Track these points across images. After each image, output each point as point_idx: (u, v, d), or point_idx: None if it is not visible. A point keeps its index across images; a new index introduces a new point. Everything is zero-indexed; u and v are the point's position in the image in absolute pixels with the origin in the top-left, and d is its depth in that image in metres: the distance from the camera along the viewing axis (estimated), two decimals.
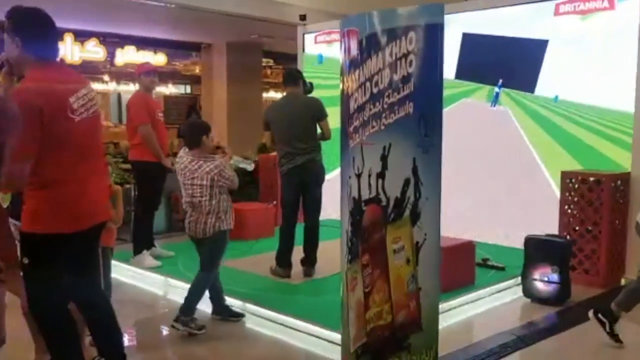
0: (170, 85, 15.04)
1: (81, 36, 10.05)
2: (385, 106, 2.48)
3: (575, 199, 5.25)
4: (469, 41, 6.32)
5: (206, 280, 4.11)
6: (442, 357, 3.56)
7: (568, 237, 5.17)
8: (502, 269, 5.23)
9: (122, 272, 5.34)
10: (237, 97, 11.46)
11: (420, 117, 2.45)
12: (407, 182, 2.48)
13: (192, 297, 4.07)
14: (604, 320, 3.78)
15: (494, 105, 6.24)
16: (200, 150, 4.04)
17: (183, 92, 15.76)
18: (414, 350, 2.56)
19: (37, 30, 2.82)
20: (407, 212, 2.49)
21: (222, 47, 11.64)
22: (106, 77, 13.50)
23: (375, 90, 2.50)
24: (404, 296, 2.53)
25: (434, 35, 2.43)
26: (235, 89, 11.55)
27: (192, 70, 14.31)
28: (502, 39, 6.11)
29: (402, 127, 2.46)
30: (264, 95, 14.29)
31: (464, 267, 4.81)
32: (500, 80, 6.18)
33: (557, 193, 5.43)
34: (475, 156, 6.30)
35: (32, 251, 2.83)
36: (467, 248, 4.85)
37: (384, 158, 2.49)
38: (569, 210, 5.28)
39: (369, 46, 2.51)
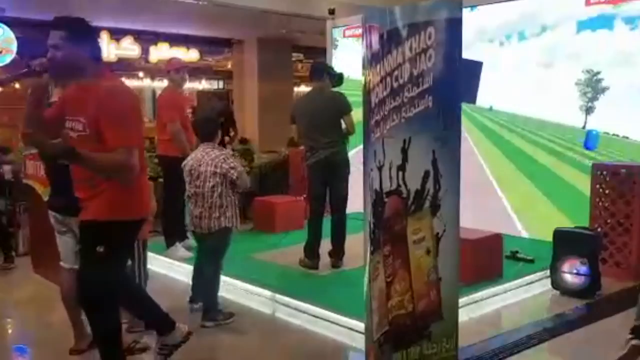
0: (203, 81, 15.27)
1: (116, 34, 10.29)
2: (405, 100, 2.53)
3: (607, 192, 5.20)
4: None
5: (215, 274, 4.22)
6: (468, 347, 3.63)
7: (599, 229, 5.13)
8: (532, 261, 5.22)
9: (156, 263, 5.50)
10: (268, 92, 11.58)
11: (439, 110, 2.50)
12: (427, 174, 2.53)
13: (210, 295, 4.21)
14: None
15: None
16: (213, 144, 4.19)
17: (216, 87, 15.98)
18: (435, 338, 2.62)
19: (97, 38, 3.09)
20: (427, 204, 2.55)
21: (253, 43, 11.76)
22: (141, 74, 13.78)
23: (395, 84, 2.55)
24: (424, 286, 2.59)
25: (452, 29, 2.48)
26: (266, 83, 11.67)
27: (225, 66, 14.49)
28: None
29: (421, 120, 2.52)
30: (295, 89, 14.40)
31: (491, 259, 4.83)
32: None
33: (499, 192, 6.46)
34: None
35: (109, 239, 2.92)
36: (494, 240, 4.86)
37: (404, 151, 2.55)
38: (600, 203, 5.23)
39: (390, 41, 2.56)
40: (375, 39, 2.63)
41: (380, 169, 2.64)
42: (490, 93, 6.69)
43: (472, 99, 6.75)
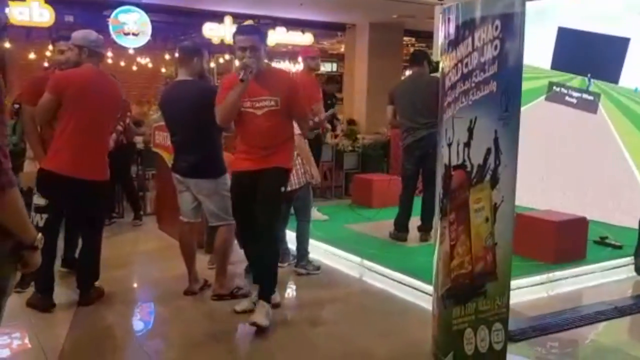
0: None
1: (238, 18, 11.07)
2: (473, 84, 2.86)
3: None
4: (564, 35, 6.87)
5: (307, 227, 4.90)
6: (536, 317, 3.91)
7: None
8: (620, 247, 5.29)
9: None
10: (377, 75, 11.89)
11: (502, 94, 2.81)
12: (488, 151, 2.85)
13: (301, 246, 4.88)
14: None
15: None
16: None
17: (329, 70, 16.56)
18: (489, 296, 2.95)
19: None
20: (487, 177, 2.87)
21: (365, 27, 12.11)
22: None
23: (465, 70, 2.88)
24: (482, 249, 2.92)
25: (516, 22, 2.77)
26: (376, 66, 11.98)
27: (339, 49, 14.99)
28: (591, 35, 6.60)
29: (486, 103, 2.84)
30: (407, 72, 14.60)
31: (575, 241, 4.97)
32: (589, 74, 6.72)
33: (638, 177, 6.07)
34: (569, 138, 6.87)
35: (286, 182, 3.94)
36: (579, 223, 4.99)
37: (470, 130, 2.88)
38: None
39: (463, 32, 2.89)
40: (451, 29, 2.97)
41: (449, 145, 2.99)
42: (638, 73, 6.33)
43: (615, 79, 6.52)
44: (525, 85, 6.99)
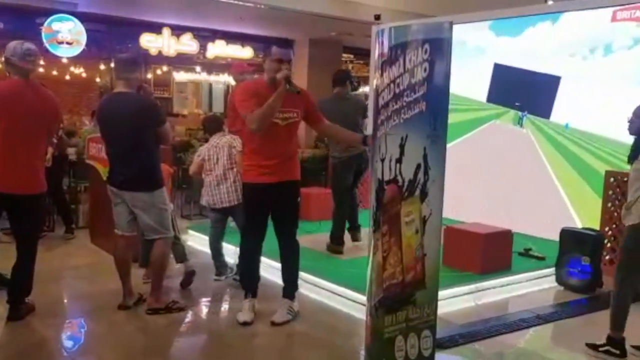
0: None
1: (177, 30, 11.03)
2: (404, 104, 3.00)
3: (619, 198, 5.50)
4: (499, 70, 7.22)
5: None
6: (464, 325, 4.09)
7: (610, 232, 5.46)
8: (543, 259, 5.58)
9: (199, 242, 6.14)
10: (316, 89, 11.98)
11: (431, 114, 2.97)
12: (418, 167, 3.01)
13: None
14: (615, 351, 3.65)
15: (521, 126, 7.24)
16: (222, 134, 5.04)
17: None
18: (419, 304, 3.09)
19: None
20: (417, 191, 3.02)
21: (305, 43, 12.29)
22: (198, 68, 14.52)
23: (397, 90, 3.02)
24: (412, 260, 3.06)
25: (444, 47, 2.94)
26: (315, 81, 12.10)
27: None
28: (525, 72, 7.01)
29: (416, 121, 2.99)
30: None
31: (501, 253, 5.22)
32: (522, 109, 7.18)
33: (569, 205, 6.47)
34: (502, 167, 7.23)
35: (299, 192, 4.29)
36: (504, 236, 5.25)
37: (401, 146, 3.02)
38: (612, 208, 5.54)
39: (395, 54, 3.03)
40: (384, 50, 3.11)
41: (382, 161, 3.12)
42: (569, 110, 6.59)
43: (547, 114, 6.82)
44: (466, 116, 7.35)
